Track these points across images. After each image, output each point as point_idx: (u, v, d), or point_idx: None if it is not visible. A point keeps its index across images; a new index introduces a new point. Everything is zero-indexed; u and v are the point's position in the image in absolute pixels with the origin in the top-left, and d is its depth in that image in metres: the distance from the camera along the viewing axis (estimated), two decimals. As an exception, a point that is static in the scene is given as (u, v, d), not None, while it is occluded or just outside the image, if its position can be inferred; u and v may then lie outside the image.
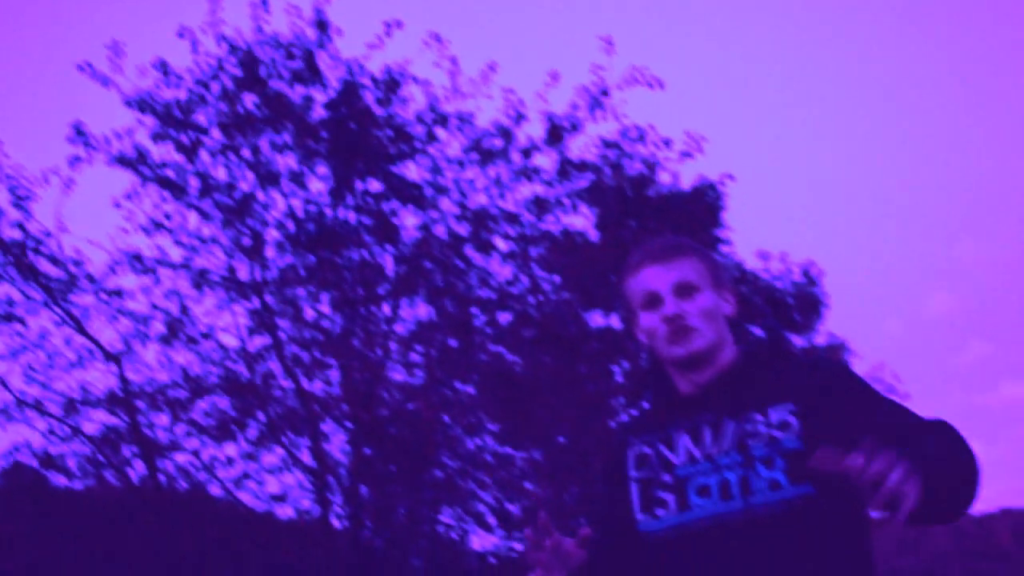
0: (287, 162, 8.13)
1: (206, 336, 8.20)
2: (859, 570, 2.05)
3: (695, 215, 10.09)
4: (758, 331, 15.19)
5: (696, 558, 2.05)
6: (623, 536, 2.20)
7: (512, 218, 8.08)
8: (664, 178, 10.05)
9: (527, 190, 8.43)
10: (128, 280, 8.18)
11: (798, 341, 15.75)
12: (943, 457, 1.89)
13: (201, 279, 8.12)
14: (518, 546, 8.51)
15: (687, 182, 10.44)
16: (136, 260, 8.04)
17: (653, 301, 2.14)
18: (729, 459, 2.07)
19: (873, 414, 2.06)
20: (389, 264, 8.13)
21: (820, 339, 15.89)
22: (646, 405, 2.39)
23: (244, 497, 8.79)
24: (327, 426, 8.33)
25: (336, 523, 8.30)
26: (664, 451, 2.17)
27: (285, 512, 9.11)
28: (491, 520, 8.55)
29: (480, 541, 8.79)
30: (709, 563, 2.02)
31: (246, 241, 7.98)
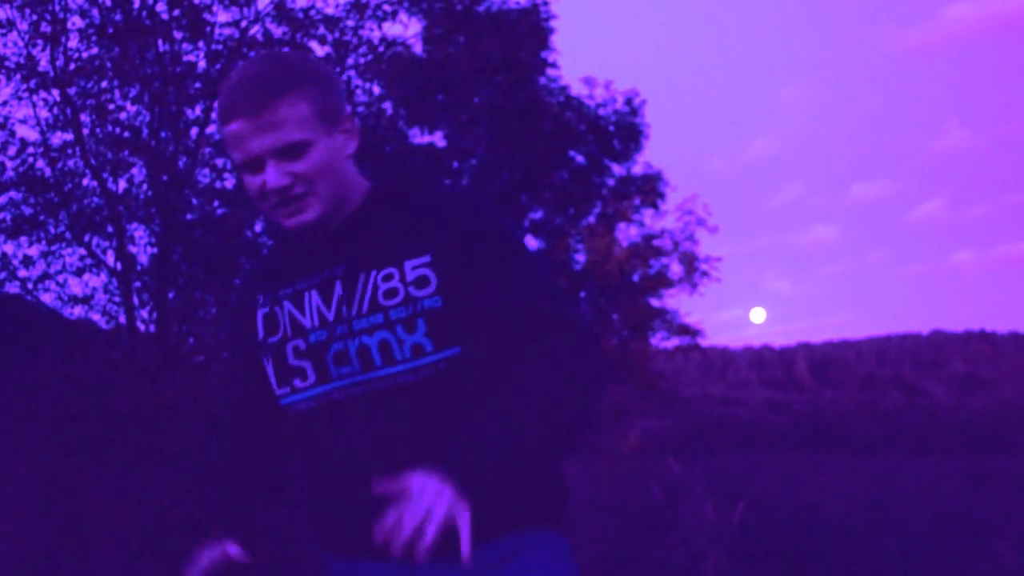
0: (92, -55, 7.61)
1: (1, 127, 7.75)
2: None
3: (523, 36, 9.96)
4: (580, 157, 15.42)
5: (340, 431, 1.84)
6: (271, 409, 2.04)
7: (331, 22, 7.81)
8: (494, -6, 9.88)
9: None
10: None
11: (617, 169, 16.14)
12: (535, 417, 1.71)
13: (-4, 65, 7.62)
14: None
15: (517, 1, 10.28)
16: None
17: (253, 165, 1.78)
18: (367, 322, 1.82)
19: (506, 279, 1.84)
20: (201, 63, 7.79)
21: (637, 168, 16.29)
22: (268, 252, 2.07)
23: (46, 298, 8.52)
24: (133, 228, 8.09)
25: (141, 327, 8.15)
26: (295, 312, 1.90)
27: (90, 315, 8.89)
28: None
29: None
30: (354, 436, 1.83)
31: (46, 28, 7.49)
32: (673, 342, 23.03)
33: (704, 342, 23.27)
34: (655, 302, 21.92)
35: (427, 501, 1.59)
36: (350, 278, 1.85)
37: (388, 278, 1.82)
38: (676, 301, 25.58)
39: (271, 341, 1.91)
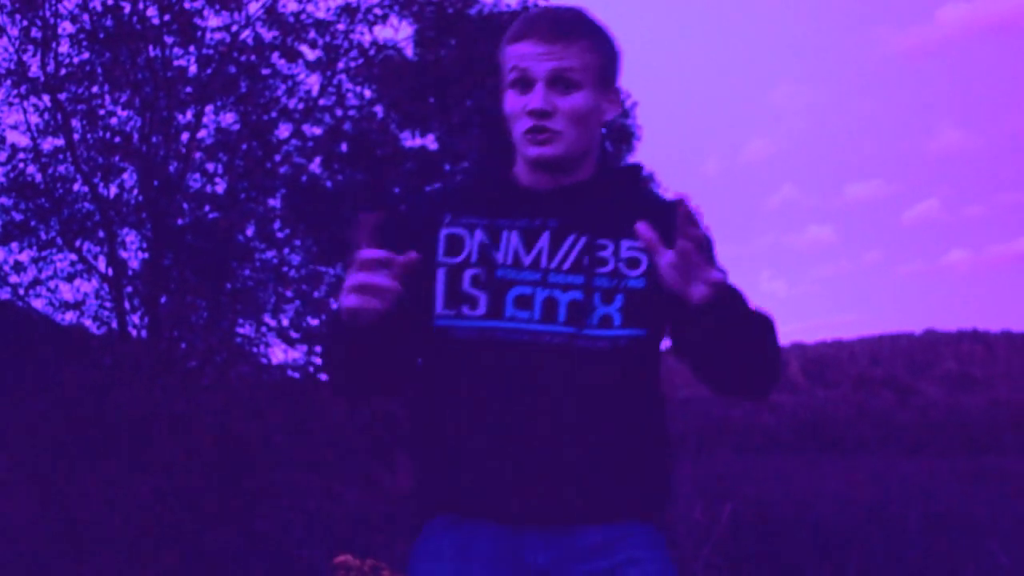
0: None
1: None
2: (660, 415, 1.99)
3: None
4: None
5: (498, 372, 1.84)
6: (416, 327, 1.88)
7: (322, 26, 7.81)
8: (486, -5, 9.86)
9: (338, -3, 8.12)
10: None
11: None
12: (758, 328, 1.83)
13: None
14: (319, 361, 8.54)
15: (509, 2, 10.28)
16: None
17: (523, 83, 1.88)
18: (564, 278, 1.88)
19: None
20: (192, 67, 7.79)
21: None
22: (465, 180, 2.07)
23: (37, 304, 8.51)
24: (124, 233, 8.08)
25: (133, 332, 8.15)
26: (486, 242, 1.92)
27: (82, 321, 8.88)
28: (293, 334, 8.55)
29: (283, 355, 8.80)
30: (510, 382, 1.83)
31: (36, 33, 7.48)
32: (666, 343, 23.04)
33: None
34: (648, 304, 21.88)
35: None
36: (561, 234, 1.90)
37: (601, 248, 1.89)
38: (669, 303, 25.52)
39: (450, 260, 1.91)
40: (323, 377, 8.66)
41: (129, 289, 8.07)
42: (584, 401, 1.85)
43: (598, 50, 1.92)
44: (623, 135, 14.09)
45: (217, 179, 8.08)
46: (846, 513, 9.05)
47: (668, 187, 18.26)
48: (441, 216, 1.95)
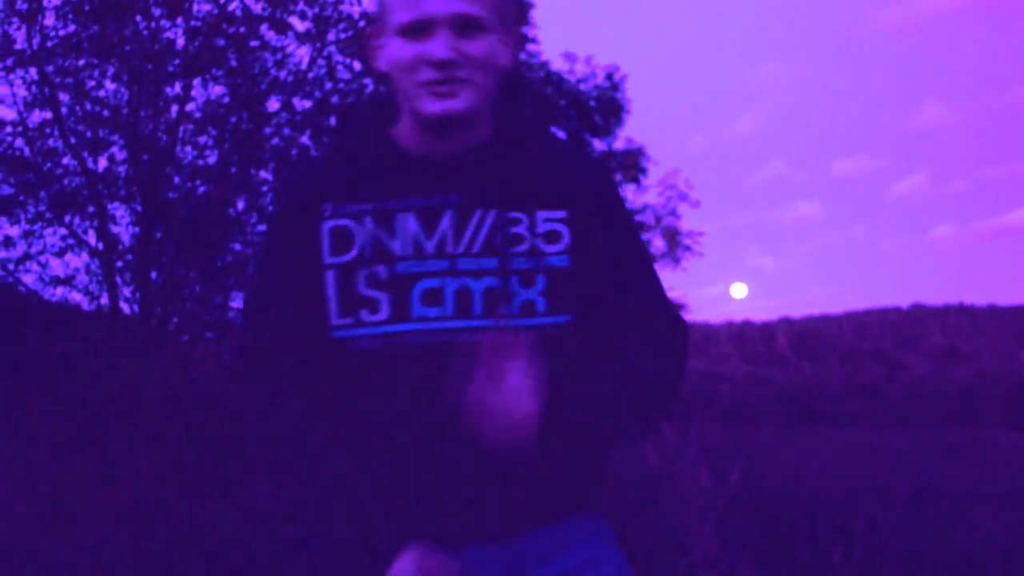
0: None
1: (-22, 106, 7.67)
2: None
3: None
4: (561, 134, 15.37)
5: (411, 382, 1.57)
6: (313, 341, 1.63)
7: (311, -3, 7.75)
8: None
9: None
10: None
11: (598, 145, 16.11)
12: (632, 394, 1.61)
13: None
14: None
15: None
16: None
17: (420, 29, 1.56)
18: (475, 264, 1.59)
19: (629, 258, 1.70)
20: (180, 40, 7.72)
21: (619, 144, 16.31)
22: (340, 152, 1.74)
23: (26, 279, 8.46)
24: (114, 207, 8.03)
25: (125, 307, 8.10)
26: (380, 234, 1.61)
27: (71, 297, 8.82)
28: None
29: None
30: (427, 391, 1.55)
31: (21, 5, 7.40)
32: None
33: (687, 317, 23.36)
34: (637, 278, 21.91)
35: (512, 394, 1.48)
36: (465, 210, 1.62)
37: (514, 223, 1.62)
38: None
39: (338, 260, 1.62)
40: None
41: (120, 264, 8.02)
42: None
43: None
44: (613, 108, 14.06)
45: (207, 152, 8.02)
46: (836, 484, 9.10)
47: (658, 160, 18.25)
48: (320, 206, 1.64)
